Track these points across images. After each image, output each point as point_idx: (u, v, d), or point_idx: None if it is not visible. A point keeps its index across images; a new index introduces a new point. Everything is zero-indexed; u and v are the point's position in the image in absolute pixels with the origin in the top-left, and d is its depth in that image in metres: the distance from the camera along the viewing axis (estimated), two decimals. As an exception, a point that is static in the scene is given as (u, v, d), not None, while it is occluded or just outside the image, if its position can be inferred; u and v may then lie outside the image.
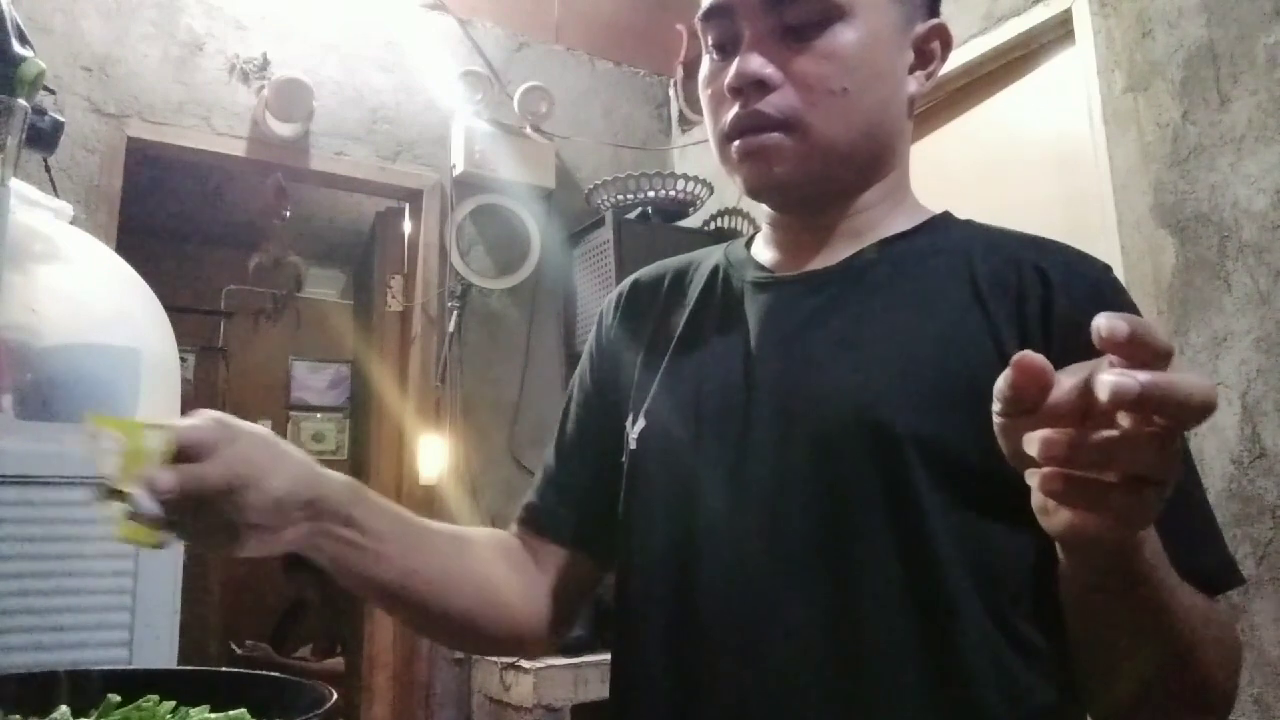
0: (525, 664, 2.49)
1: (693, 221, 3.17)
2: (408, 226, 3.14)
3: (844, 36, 0.67)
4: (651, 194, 3.00)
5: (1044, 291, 0.65)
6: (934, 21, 0.74)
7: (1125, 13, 2.08)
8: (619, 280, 2.95)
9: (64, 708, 0.61)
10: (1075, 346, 0.59)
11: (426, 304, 2.99)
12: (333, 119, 2.86)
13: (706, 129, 0.75)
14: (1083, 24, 2.17)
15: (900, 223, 0.74)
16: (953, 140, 2.66)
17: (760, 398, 0.68)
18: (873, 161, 0.72)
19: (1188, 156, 1.92)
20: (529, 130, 3.14)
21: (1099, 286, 0.66)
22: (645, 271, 0.88)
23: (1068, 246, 0.69)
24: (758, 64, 0.67)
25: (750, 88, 0.68)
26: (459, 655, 2.83)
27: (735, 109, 0.69)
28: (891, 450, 0.62)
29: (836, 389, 0.65)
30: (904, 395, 0.63)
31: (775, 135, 0.68)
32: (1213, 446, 1.82)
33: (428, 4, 3.09)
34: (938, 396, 0.63)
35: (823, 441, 0.65)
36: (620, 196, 3.00)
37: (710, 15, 0.71)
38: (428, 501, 2.83)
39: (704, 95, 0.74)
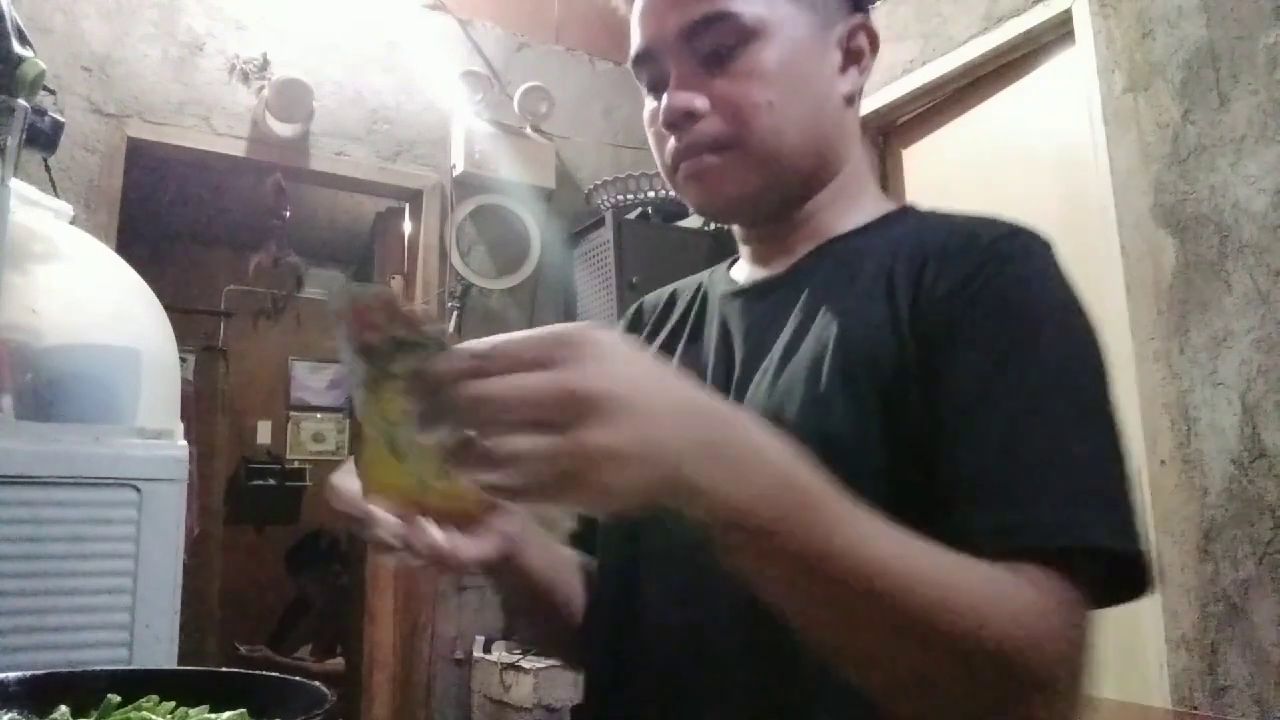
0: (525, 664, 2.49)
1: (692, 221, 3.17)
2: (408, 227, 3.14)
3: (760, 54, 0.70)
4: (651, 194, 3.00)
5: (936, 269, 0.65)
6: (855, 19, 0.75)
7: (1125, 13, 2.08)
8: (619, 280, 2.96)
9: (64, 708, 0.61)
10: (933, 330, 0.62)
11: (426, 304, 3.00)
12: (333, 119, 2.86)
13: (657, 165, 0.78)
14: (1083, 24, 2.17)
15: (855, 219, 0.75)
16: (953, 140, 2.66)
17: None
18: (817, 163, 0.74)
19: (1188, 157, 1.92)
20: (529, 130, 3.14)
21: (986, 255, 0.64)
22: (651, 294, 0.92)
23: (994, 221, 0.68)
24: (684, 98, 0.70)
25: (682, 120, 0.71)
26: (459, 655, 2.83)
27: (673, 142, 0.73)
28: (793, 440, 0.61)
29: (756, 395, 0.68)
30: (809, 392, 0.64)
31: (712, 156, 0.71)
32: (1213, 446, 1.82)
33: (428, 4, 3.09)
34: (840, 392, 0.63)
35: None
36: (620, 196, 3.00)
37: (638, 61, 0.75)
38: (428, 501, 2.83)
39: (649, 135, 0.77)
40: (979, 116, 2.58)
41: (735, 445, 0.47)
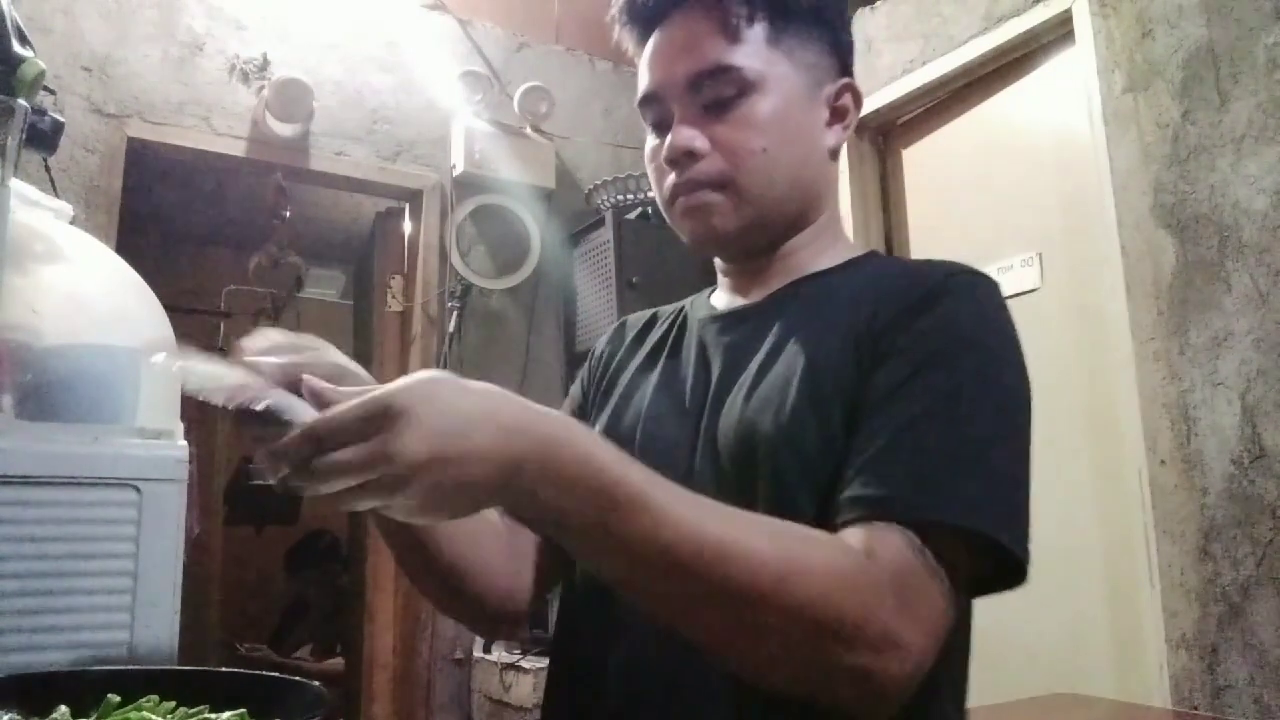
0: (525, 664, 2.49)
1: (693, 221, 3.17)
2: (408, 226, 3.13)
3: (758, 105, 0.77)
4: (651, 194, 2.99)
5: (886, 303, 0.72)
6: (843, 81, 0.83)
7: (1125, 13, 2.08)
8: (619, 280, 2.97)
9: (64, 708, 0.61)
10: (877, 351, 0.69)
11: (426, 304, 2.99)
12: (333, 119, 2.86)
13: (655, 197, 0.86)
14: (1083, 24, 2.17)
15: (827, 261, 0.83)
16: (953, 140, 2.66)
17: (686, 424, 0.77)
18: (801, 208, 0.82)
19: (1188, 156, 1.93)
20: (529, 130, 3.14)
21: (927, 289, 0.71)
22: (635, 314, 0.99)
23: (946, 263, 0.75)
24: (686, 137, 0.78)
25: (683, 158, 0.78)
26: (459, 655, 2.83)
27: (673, 177, 0.80)
28: (767, 449, 0.69)
29: (732, 410, 0.74)
30: (780, 410, 0.70)
31: (709, 193, 0.78)
32: (1213, 446, 1.82)
33: (428, 4, 3.09)
34: (808, 410, 0.69)
35: (725, 452, 0.73)
36: (620, 196, 3.00)
37: (645, 101, 0.82)
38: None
39: (649, 170, 0.85)
40: (979, 116, 2.58)
41: (557, 462, 0.53)
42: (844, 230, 0.89)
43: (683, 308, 0.92)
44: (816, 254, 0.83)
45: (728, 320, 0.84)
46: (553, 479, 0.52)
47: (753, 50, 0.77)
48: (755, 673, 0.59)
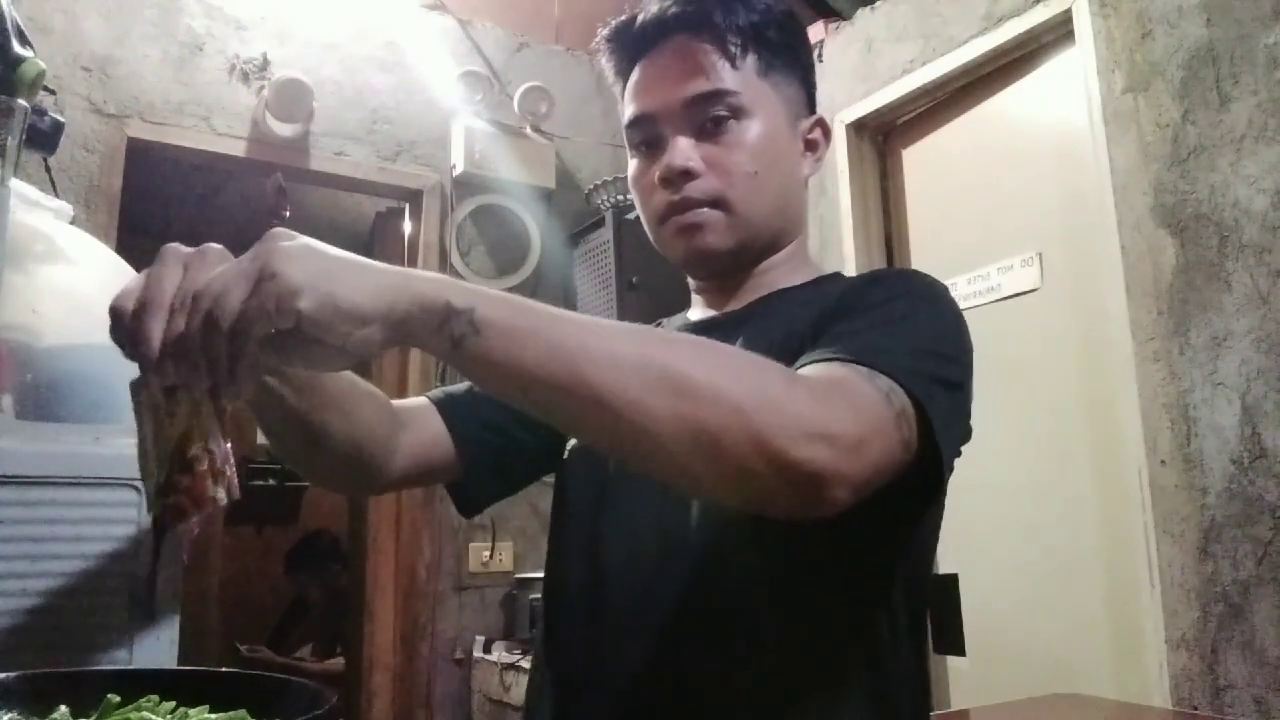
0: (525, 664, 2.49)
1: (693, 221, 3.17)
2: (408, 227, 3.13)
3: (750, 130, 0.82)
4: (651, 194, 3.00)
5: (837, 296, 0.78)
6: (815, 116, 0.89)
7: (1125, 13, 2.08)
8: (619, 280, 2.96)
9: (64, 708, 0.61)
10: (830, 326, 0.73)
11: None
12: (333, 119, 2.86)
13: (641, 217, 0.88)
14: (1083, 24, 2.17)
15: (795, 280, 0.88)
16: (953, 140, 2.66)
17: None
18: (781, 230, 0.87)
19: (1188, 156, 1.92)
20: (529, 130, 3.14)
21: (871, 280, 0.80)
22: None
23: (897, 268, 0.79)
24: (684, 156, 0.81)
25: (679, 177, 0.81)
26: (459, 655, 2.83)
27: (666, 195, 0.82)
28: None
29: None
30: None
31: (706, 210, 0.81)
32: (1213, 446, 1.82)
33: (428, 4, 3.09)
34: None
35: None
36: (620, 196, 3.00)
37: (636, 122, 0.84)
38: (427, 502, 2.83)
39: (635, 189, 0.87)
40: (979, 116, 2.58)
41: (439, 277, 0.55)
42: (811, 255, 0.94)
43: (660, 322, 0.96)
44: (787, 274, 0.87)
45: (697, 329, 0.87)
46: (444, 281, 0.54)
47: (746, 79, 0.82)
48: (684, 474, 0.57)
